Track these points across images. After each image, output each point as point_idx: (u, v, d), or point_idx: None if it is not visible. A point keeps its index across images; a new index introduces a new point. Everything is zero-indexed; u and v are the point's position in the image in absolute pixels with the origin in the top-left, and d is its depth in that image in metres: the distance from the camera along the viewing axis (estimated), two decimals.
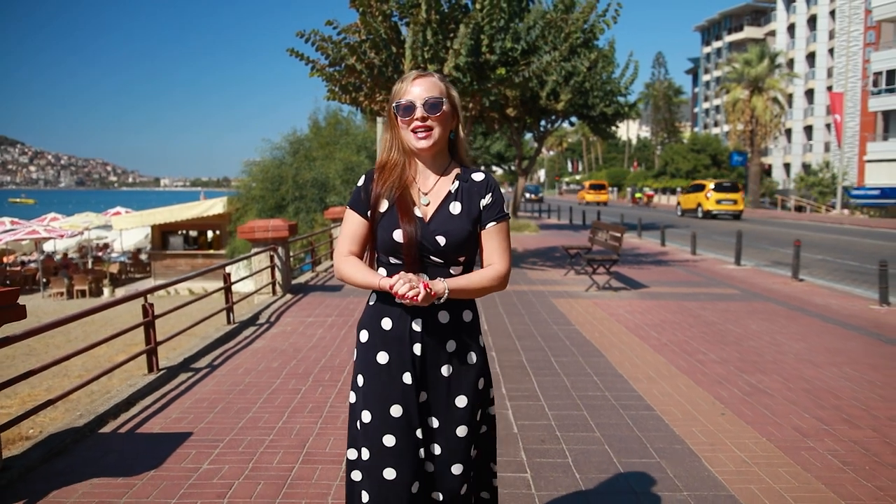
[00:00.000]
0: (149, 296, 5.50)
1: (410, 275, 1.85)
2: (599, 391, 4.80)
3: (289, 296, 9.01)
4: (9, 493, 3.20)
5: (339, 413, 4.31)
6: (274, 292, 9.10)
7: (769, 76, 40.98)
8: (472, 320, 2.06)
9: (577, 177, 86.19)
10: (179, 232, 25.35)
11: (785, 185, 51.31)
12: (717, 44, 67.48)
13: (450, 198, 2.01)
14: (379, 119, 12.11)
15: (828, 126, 48.95)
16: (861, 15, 45.19)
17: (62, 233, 24.79)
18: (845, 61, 46.98)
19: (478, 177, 2.06)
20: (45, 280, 21.74)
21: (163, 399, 4.67)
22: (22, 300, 3.40)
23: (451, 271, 1.99)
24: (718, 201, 29.98)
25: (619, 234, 9.83)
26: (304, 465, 3.52)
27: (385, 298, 1.99)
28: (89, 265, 25.11)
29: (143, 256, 27.88)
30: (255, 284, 9.24)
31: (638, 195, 52.00)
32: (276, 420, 4.20)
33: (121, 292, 20.34)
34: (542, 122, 23.69)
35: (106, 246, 30.51)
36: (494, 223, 2.02)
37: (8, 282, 21.39)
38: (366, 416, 1.99)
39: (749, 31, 61.43)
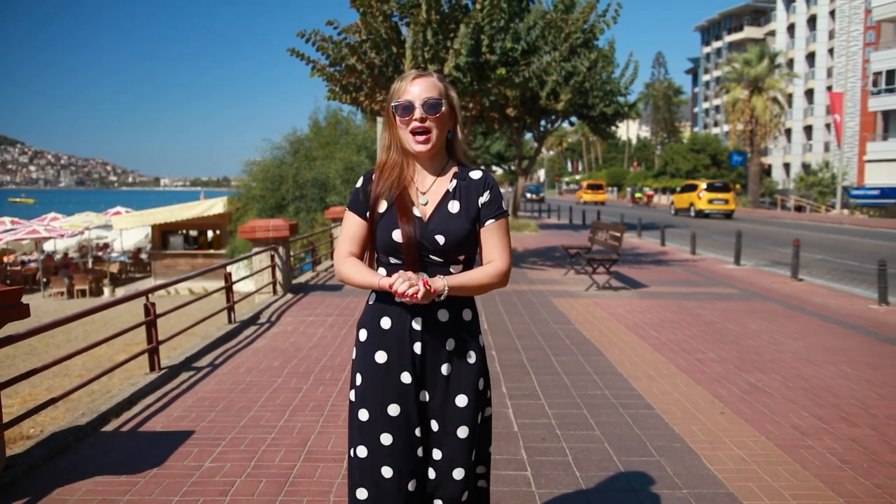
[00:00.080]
0: (149, 295, 5.52)
1: (410, 273, 1.86)
2: (599, 390, 4.82)
3: (289, 295, 9.03)
4: (12, 490, 3.22)
5: (341, 412, 4.32)
6: (275, 292, 9.12)
7: (769, 76, 41.00)
8: (471, 319, 2.06)
9: (577, 177, 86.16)
10: (179, 232, 25.36)
11: (785, 185, 51.34)
12: (716, 44, 67.49)
13: (448, 196, 2.02)
14: (379, 119, 12.13)
15: (827, 126, 48.97)
16: (861, 15, 45.21)
17: (62, 232, 24.80)
18: (845, 61, 47.00)
19: (475, 175, 2.06)
20: (45, 280, 21.76)
21: (164, 398, 4.68)
22: (23, 300, 3.42)
23: (451, 270, 1.99)
24: (710, 201, 30.62)
25: (618, 234, 9.85)
26: (306, 463, 3.54)
27: (384, 298, 2.00)
28: (89, 265, 25.13)
29: (144, 256, 27.90)
30: (256, 284, 9.25)
31: (638, 195, 52.03)
32: (277, 419, 4.21)
33: (121, 292, 20.35)
34: (542, 122, 23.71)
35: (106, 246, 30.53)
36: (493, 220, 2.03)
37: (8, 281, 21.40)
38: (363, 415, 2.00)
39: (749, 31, 61.44)
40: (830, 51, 50.11)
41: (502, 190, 2.11)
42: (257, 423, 4.13)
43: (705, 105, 71.59)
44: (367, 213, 2.04)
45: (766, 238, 19.84)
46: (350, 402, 2.09)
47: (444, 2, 10.24)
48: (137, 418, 4.28)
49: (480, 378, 2.06)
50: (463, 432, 2.00)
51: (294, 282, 10.18)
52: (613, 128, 24.23)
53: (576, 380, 5.07)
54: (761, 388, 4.87)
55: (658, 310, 8.07)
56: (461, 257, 2.00)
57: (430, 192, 2.03)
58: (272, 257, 9.11)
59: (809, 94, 52.91)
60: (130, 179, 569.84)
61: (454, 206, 2.01)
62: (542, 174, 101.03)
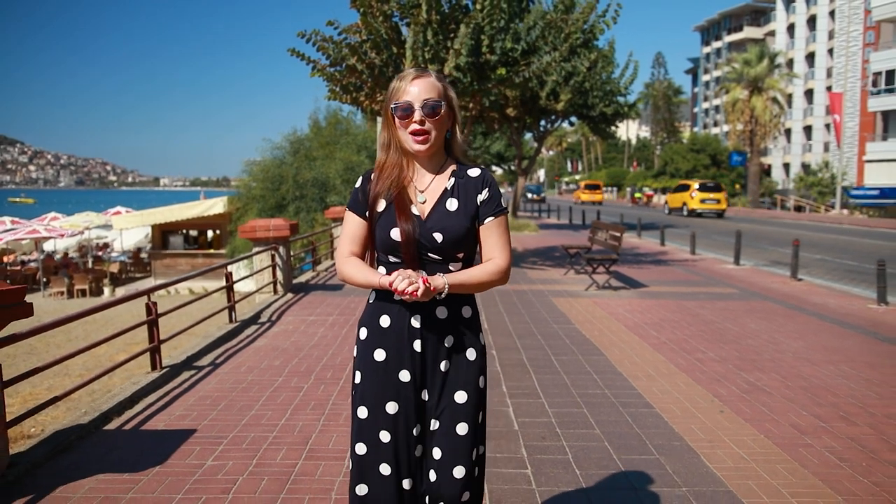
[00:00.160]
0: (150, 295, 5.54)
1: (409, 271, 1.87)
2: (599, 389, 4.84)
3: (290, 295, 9.04)
4: (16, 488, 3.24)
5: (342, 410, 4.34)
6: (275, 291, 9.13)
7: (769, 76, 41.04)
8: (471, 316, 2.07)
9: (577, 177, 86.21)
10: (180, 231, 25.38)
11: (784, 185, 51.37)
12: (716, 44, 67.51)
13: (446, 195, 2.02)
14: (379, 119, 12.15)
15: (827, 126, 49.00)
16: (861, 15, 45.23)
17: (62, 232, 24.82)
18: (845, 61, 47.03)
19: (473, 173, 2.07)
20: (45, 279, 21.78)
21: (166, 397, 4.70)
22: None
23: (451, 268, 2.00)
24: (702, 200, 31.33)
25: (618, 234, 9.87)
26: (308, 461, 3.55)
27: (384, 296, 2.01)
28: (89, 264, 25.14)
29: (144, 256, 27.91)
30: (257, 283, 9.27)
31: (637, 195, 52.07)
32: (278, 417, 4.23)
33: (121, 292, 20.37)
34: (542, 122, 23.72)
35: (106, 245, 30.55)
36: (492, 218, 2.03)
37: (8, 281, 21.41)
38: (363, 413, 2.02)
39: (749, 32, 61.46)
40: (830, 51, 50.14)
41: (502, 190, 2.12)
42: (259, 422, 4.15)
43: (705, 105, 71.61)
44: (367, 213, 2.05)
45: (766, 238, 19.86)
46: (351, 399, 2.10)
47: (444, 2, 10.26)
48: (139, 417, 4.29)
49: (481, 376, 2.06)
50: (462, 429, 2.00)
51: (294, 281, 10.20)
52: (613, 128, 24.25)
53: (576, 379, 5.09)
54: (760, 388, 4.89)
55: (658, 309, 8.08)
56: (460, 255, 2.01)
57: (428, 190, 2.04)
58: (273, 257, 9.13)
59: (809, 94, 52.94)
60: (130, 179, 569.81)
61: (452, 204, 2.01)
62: (541, 174, 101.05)
